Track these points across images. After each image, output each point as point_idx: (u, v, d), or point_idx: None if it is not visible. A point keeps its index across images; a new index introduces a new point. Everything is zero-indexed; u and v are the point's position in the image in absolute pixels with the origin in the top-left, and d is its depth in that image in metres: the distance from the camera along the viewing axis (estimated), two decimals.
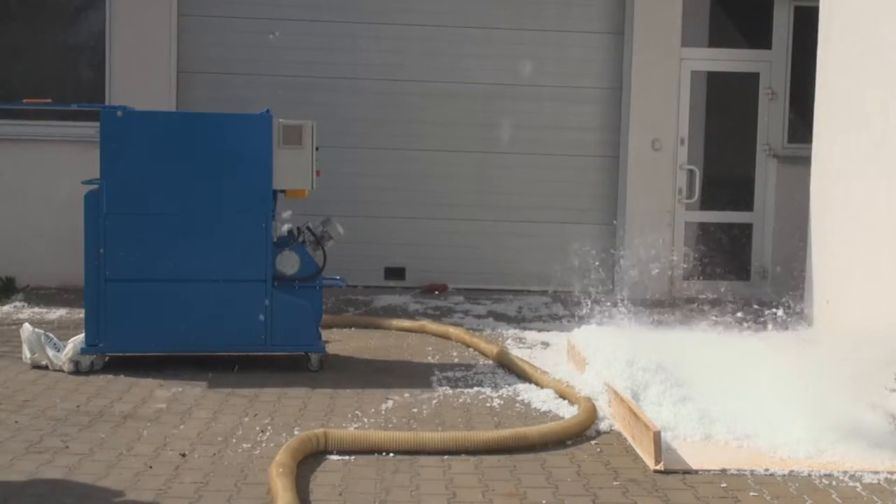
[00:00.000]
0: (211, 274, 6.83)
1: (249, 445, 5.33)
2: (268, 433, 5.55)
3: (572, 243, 9.70)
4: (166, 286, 6.81)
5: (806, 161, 9.11)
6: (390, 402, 6.25)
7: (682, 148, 10.78)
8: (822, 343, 7.15)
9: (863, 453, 5.23)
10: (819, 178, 8.76)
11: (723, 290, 9.81)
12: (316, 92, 10.54)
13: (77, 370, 6.75)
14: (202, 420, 5.78)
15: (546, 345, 8.05)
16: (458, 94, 10.77)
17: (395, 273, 10.84)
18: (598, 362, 6.50)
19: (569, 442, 5.47)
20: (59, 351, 6.84)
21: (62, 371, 6.77)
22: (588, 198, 10.92)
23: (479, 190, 10.82)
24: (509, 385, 6.72)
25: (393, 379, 6.86)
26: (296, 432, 5.47)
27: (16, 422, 5.65)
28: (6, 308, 9.08)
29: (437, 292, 10.55)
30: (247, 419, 5.81)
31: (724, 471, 5.05)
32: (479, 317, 9.32)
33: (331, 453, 5.16)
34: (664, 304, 9.48)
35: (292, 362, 7.10)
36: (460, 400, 6.38)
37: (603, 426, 5.76)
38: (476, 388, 6.67)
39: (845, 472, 5.05)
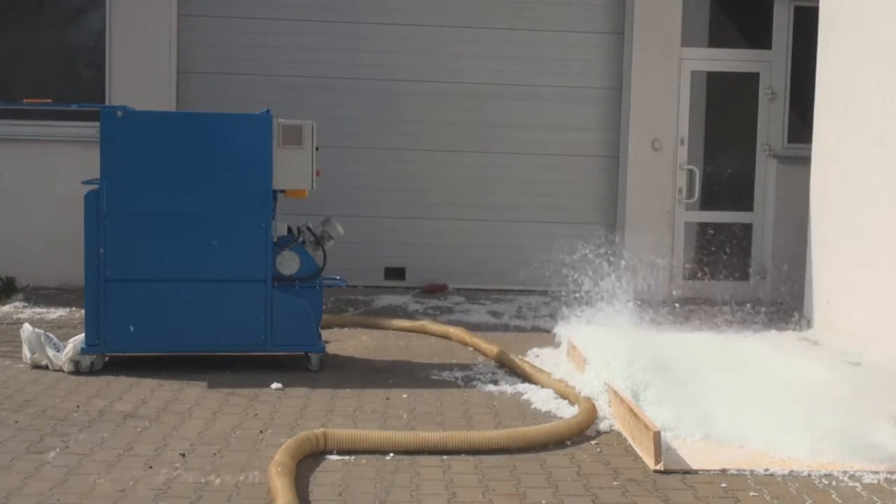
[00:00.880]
0: (211, 274, 6.83)
1: (249, 445, 5.34)
2: (268, 433, 5.55)
3: (572, 243, 9.69)
4: (166, 286, 6.81)
5: (806, 161, 9.12)
6: (390, 402, 6.25)
7: (681, 148, 10.78)
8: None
9: (863, 453, 5.22)
10: (819, 178, 8.77)
11: (722, 290, 9.81)
12: (316, 92, 10.54)
13: (77, 370, 6.75)
14: (202, 420, 5.78)
15: (546, 345, 8.04)
16: (458, 94, 10.77)
17: (395, 273, 10.84)
18: (598, 362, 6.50)
19: (569, 442, 5.47)
20: (59, 351, 6.84)
21: (62, 371, 6.77)
22: (588, 198, 10.92)
23: (478, 190, 10.82)
24: (509, 385, 6.72)
25: (393, 379, 6.86)
26: (296, 432, 5.48)
27: (16, 422, 5.65)
28: (6, 308, 9.08)
29: (437, 292, 10.55)
30: (247, 419, 5.82)
31: (724, 471, 5.05)
32: (479, 317, 9.32)
33: (330, 453, 5.16)
34: (664, 305, 9.48)
35: (292, 362, 7.10)
36: (460, 400, 6.38)
37: (603, 426, 5.76)
38: (476, 388, 6.67)
39: (845, 472, 5.04)
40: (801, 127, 10.41)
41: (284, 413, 5.96)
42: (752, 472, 5.04)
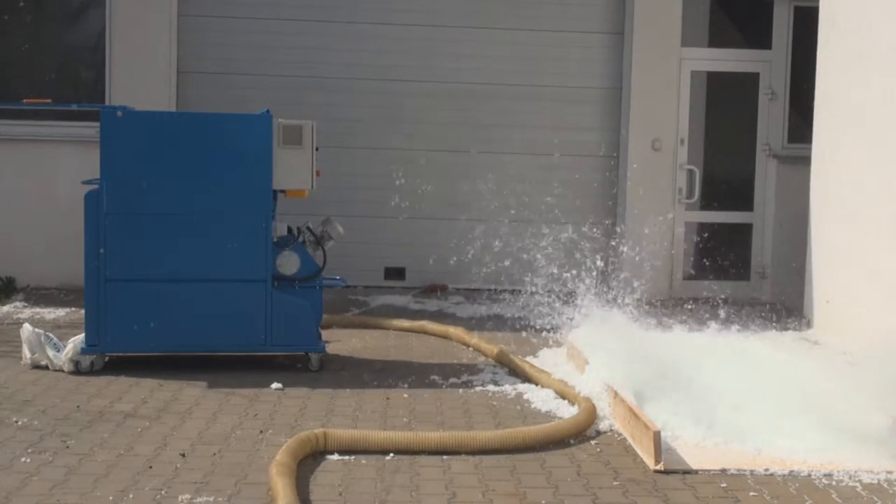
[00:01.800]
0: (211, 274, 6.83)
1: (249, 445, 5.34)
2: (268, 433, 5.55)
3: (572, 243, 9.69)
4: (166, 286, 6.81)
5: (806, 161, 9.12)
6: (390, 402, 6.25)
7: (682, 148, 10.78)
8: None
9: (863, 453, 5.23)
10: (819, 178, 8.77)
11: (722, 289, 9.81)
12: (316, 92, 10.54)
13: (77, 370, 6.76)
14: (202, 420, 5.78)
15: (546, 345, 8.04)
16: (458, 94, 10.77)
17: (395, 273, 10.84)
18: (598, 362, 6.49)
19: (569, 442, 5.47)
20: (59, 351, 6.84)
21: (62, 371, 6.77)
22: (588, 198, 10.91)
23: (479, 190, 10.81)
24: (509, 385, 6.72)
25: (393, 379, 6.86)
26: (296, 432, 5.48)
27: (16, 422, 5.65)
28: (6, 308, 9.08)
29: (437, 292, 10.54)
30: (247, 419, 5.82)
31: (724, 471, 5.05)
32: (478, 317, 9.32)
33: (331, 453, 5.16)
34: (664, 305, 9.47)
35: (292, 362, 7.10)
36: (460, 400, 6.38)
37: (603, 426, 5.76)
38: (476, 388, 6.67)
39: (845, 472, 5.04)
40: (801, 127, 10.41)
41: (284, 413, 5.96)
42: (752, 472, 5.04)
